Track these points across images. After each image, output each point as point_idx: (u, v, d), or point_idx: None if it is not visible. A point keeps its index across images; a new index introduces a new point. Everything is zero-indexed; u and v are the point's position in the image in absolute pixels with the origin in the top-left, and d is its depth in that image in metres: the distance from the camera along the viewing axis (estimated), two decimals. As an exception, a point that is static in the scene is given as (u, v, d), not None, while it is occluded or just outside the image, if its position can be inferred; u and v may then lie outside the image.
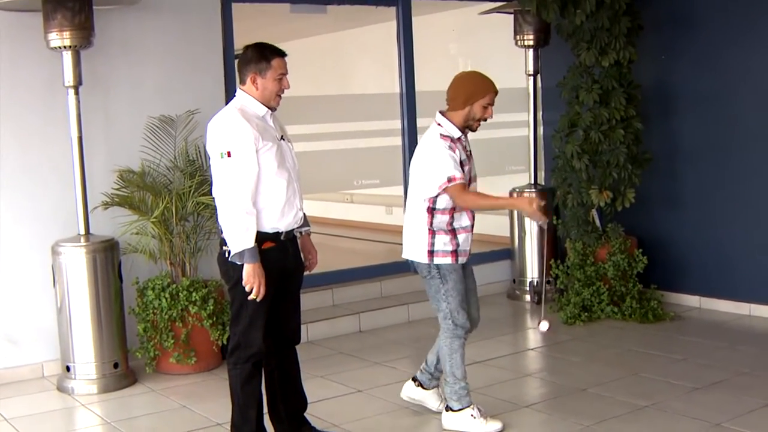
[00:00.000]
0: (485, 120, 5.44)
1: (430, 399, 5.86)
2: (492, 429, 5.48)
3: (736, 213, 8.10)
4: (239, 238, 4.65)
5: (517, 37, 8.95)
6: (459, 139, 5.40)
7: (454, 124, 5.40)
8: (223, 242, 4.80)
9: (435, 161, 5.32)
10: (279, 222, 4.83)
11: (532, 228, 8.96)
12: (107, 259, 6.67)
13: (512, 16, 8.96)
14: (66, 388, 6.66)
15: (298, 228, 5.02)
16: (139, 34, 7.26)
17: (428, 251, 5.41)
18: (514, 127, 9.49)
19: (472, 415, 5.50)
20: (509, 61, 9.58)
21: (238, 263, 4.69)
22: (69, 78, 6.58)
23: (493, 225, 8.99)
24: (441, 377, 5.81)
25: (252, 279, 4.68)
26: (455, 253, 5.41)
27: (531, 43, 8.89)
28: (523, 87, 9.21)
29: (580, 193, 8.20)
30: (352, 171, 9.02)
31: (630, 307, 7.99)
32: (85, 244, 6.63)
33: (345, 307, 8.33)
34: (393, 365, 6.96)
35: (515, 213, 9.02)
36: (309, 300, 7.93)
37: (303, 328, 7.48)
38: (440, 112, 5.47)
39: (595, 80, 8.09)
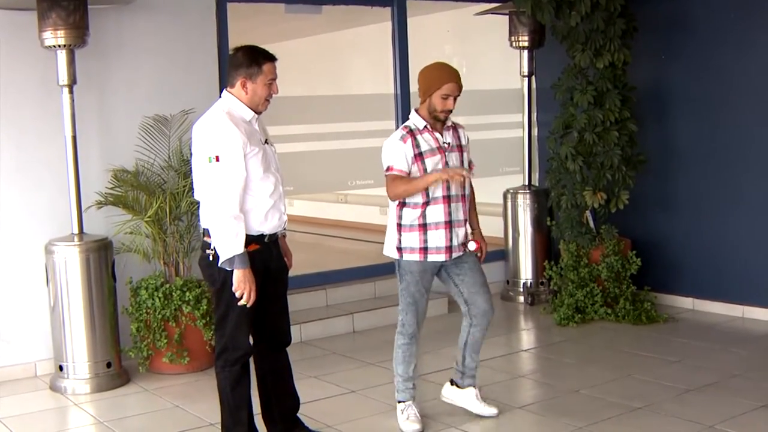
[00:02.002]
0: (448, 111, 5.37)
1: (463, 398, 5.82)
2: (406, 428, 5.57)
3: (730, 215, 8.12)
4: (229, 245, 4.63)
5: (512, 39, 8.96)
6: (425, 128, 5.37)
7: (420, 115, 5.41)
8: (206, 245, 4.78)
9: (384, 149, 5.38)
10: (263, 225, 4.82)
11: (526, 229, 8.97)
12: (101, 258, 6.67)
13: (507, 17, 8.97)
14: (59, 388, 6.65)
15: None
16: (133, 33, 7.25)
17: (396, 247, 5.44)
18: (509, 128, 9.50)
19: (401, 410, 5.63)
20: (504, 62, 9.59)
21: (228, 269, 4.68)
22: (63, 77, 6.57)
23: (487, 226, 8.95)
24: (474, 375, 5.80)
25: (243, 285, 4.66)
26: (423, 250, 5.39)
27: (526, 44, 8.90)
28: (518, 88, 9.23)
29: (574, 195, 8.21)
30: (346, 171, 9.00)
31: (623, 308, 8.00)
32: (78, 243, 6.62)
33: (338, 308, 8.33)
34: (386, 366, 6.93)
35: (509, 214, 9.03)
36: (302, 300, 8.00)
37: (296, 328, 7.50)
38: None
39: (589, 82, 8.10)
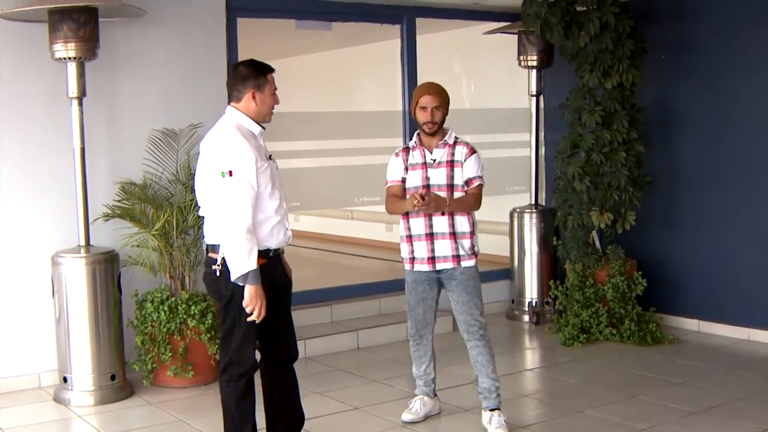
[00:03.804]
0: (430, 123, 5.64)
1: (484, 420, 5.84)
2: (403, 416, 6.01)
3: (737, 237, 8.11)
4: (243, 260, 4.60)
5: (521, 58, 8.97)
6: (416, 146, 5.76)
7: (417, 133, 5.80)
8: (211, 261, 4.77)
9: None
10: (269, 241, 4.81)
11: (532, 248, 8.97)
12: (107, 270, 6.67)
13: (516, 36, 8.99)
14: (63, 399, 6.65)
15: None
16: (143, 46, 7.28)
17: (402, 257, 5.86)
18: (516, 147, 9.51)
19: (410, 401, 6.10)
20: (512, 81, 9.61)
21: (241, 285, 4.66)
22: (73, 89, 6.59)
23: (493, 245, 9.00)
24: (491, 397, 5.82)
25: (254, 300, 4.65)
26: (411, 260, 5.77)
27: (534, 63, 8.92)
28: (526, 107, 9.24)
29: (580, 215, 8.21)
30: (353, 188, 9.02)
31: (629, 329, 7.98)
32: (85, 255, 6.63)
33: (343, 324, 8.32)
34: (390, 383, 6.95)
35: (515, 233, 9.03)
36: (307, 316, 8.01)
37: (301, 344, 7.45)
38: None
39: (597, 102, 8.12)
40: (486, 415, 5.79)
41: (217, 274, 4.73)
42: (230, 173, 4.61)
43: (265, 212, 4.76)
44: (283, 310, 5.06)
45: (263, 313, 4.69)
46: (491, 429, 5.71)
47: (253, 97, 4.80)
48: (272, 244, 4.83)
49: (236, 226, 4.60)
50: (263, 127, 4.89)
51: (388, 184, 5.80)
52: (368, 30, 9.55)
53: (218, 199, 4.67)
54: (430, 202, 5.46)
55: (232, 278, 4.64)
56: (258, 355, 4.97)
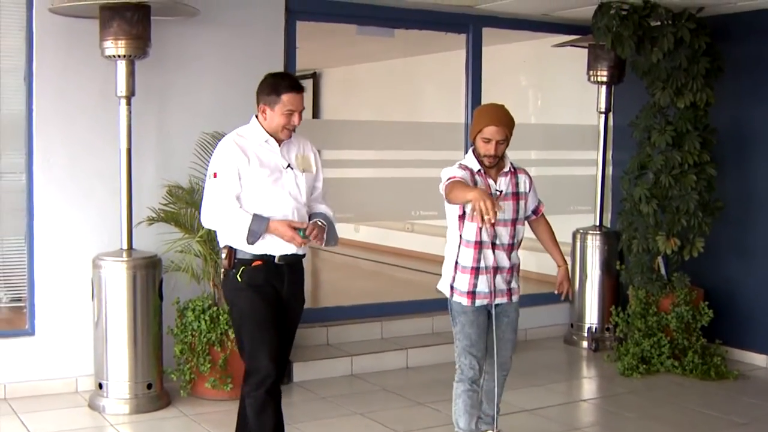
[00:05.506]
0: (491, 157, 5.10)
1: None
2: None
3: (811, 270, 7.75)
4: (239, 224, 4.63)
5: (590, 73, 8.70)
6: (479, 173, 5.15)
7: (474, 157, 5.18)
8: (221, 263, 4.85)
9: (444, 173, 5.12)
10: (269, 248, 4.72)
11: (593, 272, 8.66)
12: (148, 276, 6.52)
13: (586, 50, 8.75)
14: (97, 406, 6.50)
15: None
16: (196, 47, 7.16)
17: (450, 285, 5.28)
18: (582, 165, 9.22)
19: None
20: (581, 96, 9.40)
21: (265, 233, 4.64)
22: (122, 88, 6.46)
23: (552, 266, 8.72)
24: (492, 422, 5.56)
25: (284, 233, 4.62)
26: (471, 294, 5.19)
27: (604, 79, 8.64)
28: (594, 125, 8.94)
29: (646, 239, 7.91)
30: (411, 200, 8.80)
31: (692, 362, 7.66)
32: (126, 259, 6.48)
33: (393, 342, 8.11)
34: (437, 407, 6.67)
35: (577, 255, 8.72)
36: (355, 332, 7.96)
37: (347, 360, 7.36)
38: None
39: (668, 122, 7.83)
40: None
41: (221, 277, 4.85)
42: (215, 175, 4.73)
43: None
44: (291, 328, 4.93)
45: (299, 239, 4.63)
46: None
47: (263, 112, 4.85)
48: (274, 251, 4.73)
49: (218, 208, 4.69)
50: (279, 140, 4.86)
51: (454, 179, 4.99)
52: (433, 38, 9.37)
53: (205, 198, 4.80)
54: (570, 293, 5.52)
55: (250, 242, 4.64)
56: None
